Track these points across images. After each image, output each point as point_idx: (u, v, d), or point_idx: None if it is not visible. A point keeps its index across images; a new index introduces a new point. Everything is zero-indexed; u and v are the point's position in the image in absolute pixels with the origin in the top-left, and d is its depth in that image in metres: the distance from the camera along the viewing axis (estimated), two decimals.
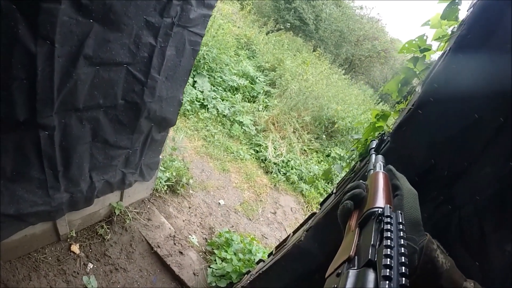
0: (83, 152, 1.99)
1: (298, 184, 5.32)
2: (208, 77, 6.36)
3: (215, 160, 4.77)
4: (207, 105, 5.77)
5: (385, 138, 1.22)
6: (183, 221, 3.42)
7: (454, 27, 1.37)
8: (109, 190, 2.51)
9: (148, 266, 2.83)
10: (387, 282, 0.40)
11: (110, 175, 2.37)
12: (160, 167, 3.40)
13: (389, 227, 0.52)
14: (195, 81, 5.99)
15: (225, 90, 6.54)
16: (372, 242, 0.51)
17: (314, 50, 12.86)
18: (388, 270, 0.42)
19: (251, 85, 7.14)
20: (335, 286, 0.45)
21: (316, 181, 5.50)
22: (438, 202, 1.14)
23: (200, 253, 3.16)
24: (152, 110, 2.20)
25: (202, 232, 3.45)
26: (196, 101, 5.68)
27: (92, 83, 1.71)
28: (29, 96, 1.45)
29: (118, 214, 2.86)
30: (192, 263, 2.97)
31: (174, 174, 3.58)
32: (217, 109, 5.82)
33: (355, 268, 0.48)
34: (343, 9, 13.71)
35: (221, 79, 6.61)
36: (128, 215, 2.92)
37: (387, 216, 0.55)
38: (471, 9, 1.12)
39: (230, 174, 4.71)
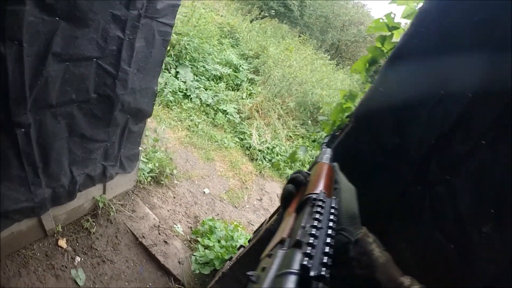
0: (61, 147, 2.02)
1: (283, 170, 5.36)
2: (191, 67, 6.34)
3: (199, 150, 4.80)
4: (190, 95, 5.76)
5: (337, 134, 1.21)
6: (168, 211, 3.46)
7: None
8: (90, 184, 2.53)
9: (134, 256, 2.88)
10: (307, 259, 0.41)
11: (90, 168, 2.39)
12: (142, 159, 3.43)
13: (319, 210, 0.55)
14: (177, 72, 5.98)
15: (208, 80, 6.53)
16: (302, 224, 0.53)
17: (299, 37, 12.83)
18: (310, 248, 0.44)
19: (235, 74, 7.14)
20: (265, 266, 0.45)
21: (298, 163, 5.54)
22: (408, 181, 1.11)
23: (185, 242, 3.21)
24: (126, 102, 2.21)
25: (187, 221, 3.50)
26: (179, 91, 5.67)
27: (63, 79, 1.73)
28: (2, 96, 1.49)
29: (102, 207, 2.89)
30: (177, 252, 3.02)
31: (157, 165, 3.60)
32: (201, 98, 5.82)
33: (285, 249, 0.50)
34: None
35: (204, 69, 6.59)
36: (112, 208, 2.95)
37: (320, 200, 0.58)
38: None
39: (215, 163, 4.75)
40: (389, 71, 1.12)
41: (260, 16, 13.10)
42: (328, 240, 0.48)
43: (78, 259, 2.64)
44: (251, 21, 11.07)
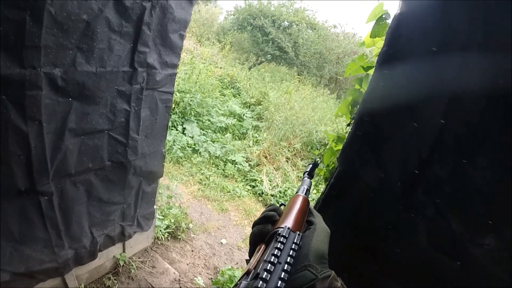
0: (81, 211, 2.18)
1: None
2: (197, 122, 6.59)
3: (213, 202, 4.89)
4: (198, 149, 5.94)
5: (318, 162, 1.21)
6: (187, 264, 3.51)
7: None
8: (110, 243, 2.65)
9: None
10: None
11: (109, 229, 2.52)
12: (158, 216, 3.54)
13: (278, 245, 0.58)
14: (184, 128, 6.21)
15: (214, 132, 6.74)
16: (265, 258, 0.55)
17: (298, 75, 13.19)
18: (261, 282, 0.48)
19: (239, 123, 7.36)
20: None
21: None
22: (399, 210, 1.13)
23: None
24: (137, 166, 2.40)
25: (207, 273, 3.53)
26: (188, 147, 5.86)
27: (80, 150, 1.95)
28: (27, 169, 1.70)
29: (123, 265, 2.98)
30: None
31: (172, 221, 3.70)
32: (209, 151, 5.98)
33: (248, 280, 0.52)
34: (318, 31, 14.02)
35: (209, 122, 6.83)
36: (133, 265, 3.03)
37: (281, 236, 0.61)
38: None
39: (229, 213, 4.82)
40: (363, 113, 1.18)
41: (257, 62, 13.55)
42: (282, 275, 0.51)
43: None
44: (249, 69, 11.48)
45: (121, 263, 2.92)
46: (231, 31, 13.80)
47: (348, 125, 1.70)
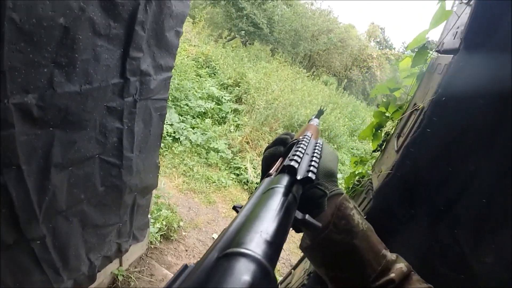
0: (77, 242, 2.04)
1: None
2: (175, 108, 6.39)
3: (199, 194, 4.83)
4: (179, 138, 5.79)
5: (323, 109, 1.20)
6: None
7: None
8: (108, 262, 2.56)
9: None
10: (294, 162, 0.44)
11: (106, 250, 2.42)
12: (150, 220, 3.46)
13: (304, 141, 0.56)
14: None
15: (193, 117, 6.59)
16: (289, 155, 0.52)
17: (272, 53, 13.01)
18: (296, 156, 0.46)
19: (218, 106, 7.21)
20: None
21: None
22: (422, 240, 1.22)
23: None
24: (133, 185, 2.27)
25: None
26: (168, 135, 5.69)
27: (70, 184, 1.72)
28: (13, 221, 1.47)
29: (122, 279, 2.91)
30: None
31: (164, 223, 3.64)
32: (190, 140, 5.84)
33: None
34: (294, 8, 13.90)
35: (187, 107, 6.65)
36: (131, 277, 2.98)
37: (305, 136, 0.60)
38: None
39: (217, 205, 4.78)
40: (405, 157, 1.21)
41: (230, 37, 13.26)
42: (313, 157, 0.50)
43: None
44: (223, 46, 11.21)
45: (120, 278, 2.85)
46: (203, 5, 13.29)
47: (375, 151, 1.68)
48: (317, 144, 0.60)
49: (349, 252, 0.56)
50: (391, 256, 0.59)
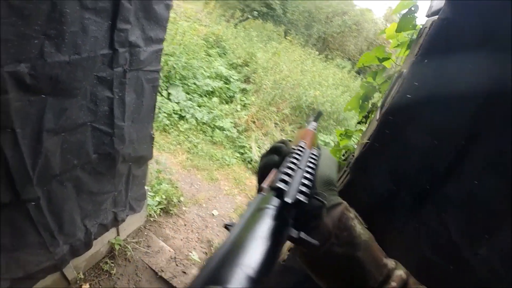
0: (72, 207, 2.09)
1: None
2: (182, 86, 6.37)
3: (202, 171, 4.86)
4: (185, 115, 5.80)
5: (322, 113, 1.16)
6: (181, 240, 3.54)
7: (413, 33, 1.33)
8: (104, 230, 2.62)
9: None
10: (282, 184, 0.42)
11: (102, 217, 2.47)
12: (149, 193, 3.51)
13: (295, 155, 0.54)
14: (169, 93, 6.00)
15: (201, 96, 6.56)
16: (280, 168, 0.50)
17: (285, 34, 12.82)
18: (285, 176, 0.44)
19: (226, 85, 7.16)
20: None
21: None
22: (406, 221, 1.13)
23: None
24: (126, 154, 2.28)
25: (201, 247, 3.57)
26: (174, 113, 5.70)
27: (62, 149, 1.78)
28: (8, 181, 1.54)
29: (119, 249, 2.98)
30: None
31: (164, 196, 3.68)
32: (196, 117, 5.86)
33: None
34: None
35: (195, 86, 6.62)
36: (128, 247, 3.03)
37: (299, 146, 0.58)
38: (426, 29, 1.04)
39: (219, 182, 4.81)
40: (383, 126, 1.12)
41: (243, 18, 13.10)
42: (306, 174, 0.47)
43: None
44: (235, 26, 11.09)
45: (117, 247, 2.92)
46: None
47: (359, 122, 1.62)
48: (312, 156, 0.57)
49: (352, 265, 0.55)
50: (391, 263, 0.58)
